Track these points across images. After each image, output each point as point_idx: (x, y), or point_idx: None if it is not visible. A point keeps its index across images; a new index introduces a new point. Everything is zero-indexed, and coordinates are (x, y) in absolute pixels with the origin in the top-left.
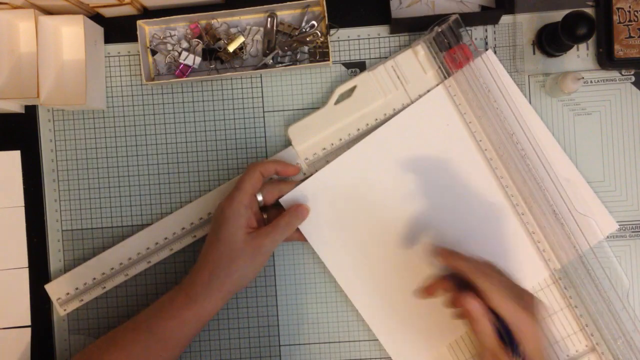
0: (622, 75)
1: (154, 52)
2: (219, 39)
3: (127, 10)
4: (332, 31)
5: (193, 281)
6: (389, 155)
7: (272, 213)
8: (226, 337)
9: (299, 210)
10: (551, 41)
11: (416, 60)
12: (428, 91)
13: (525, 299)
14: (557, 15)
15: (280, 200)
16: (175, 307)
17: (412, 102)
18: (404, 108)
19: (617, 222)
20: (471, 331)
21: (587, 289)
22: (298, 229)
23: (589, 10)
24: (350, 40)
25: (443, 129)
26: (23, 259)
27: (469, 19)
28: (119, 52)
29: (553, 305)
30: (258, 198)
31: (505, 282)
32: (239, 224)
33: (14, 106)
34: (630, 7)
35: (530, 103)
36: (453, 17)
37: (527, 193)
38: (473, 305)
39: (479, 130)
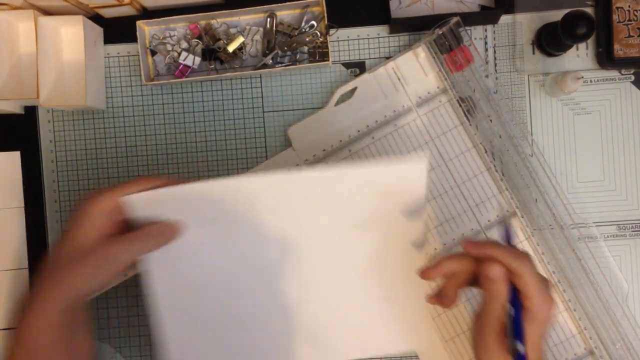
0: (622, 74)
1: (153, 53)
2: (219, 39)
3: (126, 10)
4: (331, 31)
5: (33, 283)
6: (314, 208)
7: None
8: None
9: (169, 226)
10: (551, 41)
11: (417, 62)
12: (431, 99)
13: (546, 284)
14: (557, 15)
15: (131, 197)
16: (17, 316)
17: (414, 106)
18: (404, 110)
19: (617, 221)
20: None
21: (586, 291)
22: None
23: (589, 10)
24: (350, 40)
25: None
26: (23, 260)
27: (469, 19)
28: (118, 53)
29: None
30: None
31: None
32: (95, 224)
33: (14, 107)
34: (629, 6)
35: (530, 103)
36: (454, 20)
37: (526, 196)
38: (497, 269)
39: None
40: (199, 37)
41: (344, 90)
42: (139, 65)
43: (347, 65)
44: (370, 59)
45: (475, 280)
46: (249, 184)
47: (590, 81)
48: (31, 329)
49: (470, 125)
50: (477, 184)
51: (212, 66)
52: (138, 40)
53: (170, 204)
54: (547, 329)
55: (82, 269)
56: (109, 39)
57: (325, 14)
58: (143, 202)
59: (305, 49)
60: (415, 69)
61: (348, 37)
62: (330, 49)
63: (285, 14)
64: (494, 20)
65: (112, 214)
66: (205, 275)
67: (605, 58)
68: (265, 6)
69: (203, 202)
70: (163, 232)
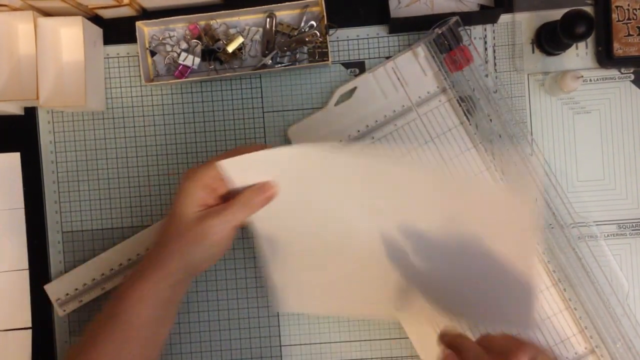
0: (622, 73)
1: (153, 53)
2: (218, 40)
3: (126, 11)
4: (331, 31)
5: (144, 257)
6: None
7: None
8: (227, 338)
9: (263, 187)
10: (550, 40)
11: (416, 62)
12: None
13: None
14: (556, 14)
15: (225, 162)
16: (126, 285)
17: (414, 105)
18: (404, 110)
19: (617, 220)
20: None
21: (586, 290)
22: None
23: (588, 9)
24: (350, 40)
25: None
26: (23, 261)
27: (468, 18)
28: (118, 54)
29: (552, 307)
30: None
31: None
32: (193, 199)
33: (14, 108)
34: (629, 5)
35: (529, 102)
36: (453, 19)
37: None
38: None
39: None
40: (199, 38)
41: (343, 90)
42: (139, 65)
43: (347, 65)
44: (369, 58)
45: None
46: (357, 160)
47: (590, 80)
48: (135, 300)
49: (470, 124)
50: None
51: (212, 66)
52: (137, 41)
53: (262, 167)
54: None
55: (188, 244)
56: (108, 40)
57: (325, 14)
58: (237, 167)
59: (305, 49)
60: (415, 69)
61: (347, 37)
62: (329, 49)
63: (284, 14)
64: (493, 20)
65: (210, 186)
66: (298, 222)
67: (605, 57)
68: (264, 6)
69: (296, 167)
70: (258, 192)
